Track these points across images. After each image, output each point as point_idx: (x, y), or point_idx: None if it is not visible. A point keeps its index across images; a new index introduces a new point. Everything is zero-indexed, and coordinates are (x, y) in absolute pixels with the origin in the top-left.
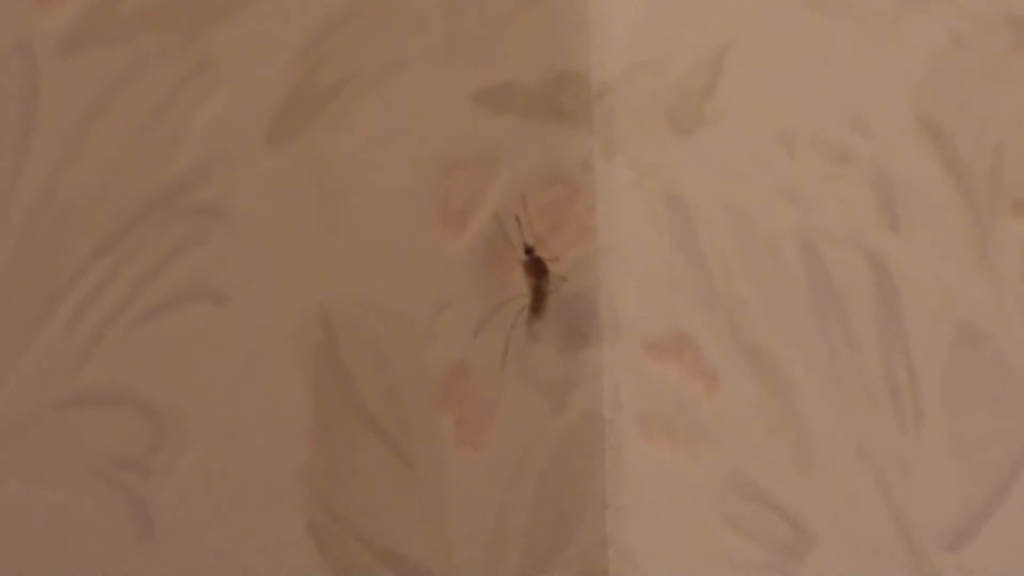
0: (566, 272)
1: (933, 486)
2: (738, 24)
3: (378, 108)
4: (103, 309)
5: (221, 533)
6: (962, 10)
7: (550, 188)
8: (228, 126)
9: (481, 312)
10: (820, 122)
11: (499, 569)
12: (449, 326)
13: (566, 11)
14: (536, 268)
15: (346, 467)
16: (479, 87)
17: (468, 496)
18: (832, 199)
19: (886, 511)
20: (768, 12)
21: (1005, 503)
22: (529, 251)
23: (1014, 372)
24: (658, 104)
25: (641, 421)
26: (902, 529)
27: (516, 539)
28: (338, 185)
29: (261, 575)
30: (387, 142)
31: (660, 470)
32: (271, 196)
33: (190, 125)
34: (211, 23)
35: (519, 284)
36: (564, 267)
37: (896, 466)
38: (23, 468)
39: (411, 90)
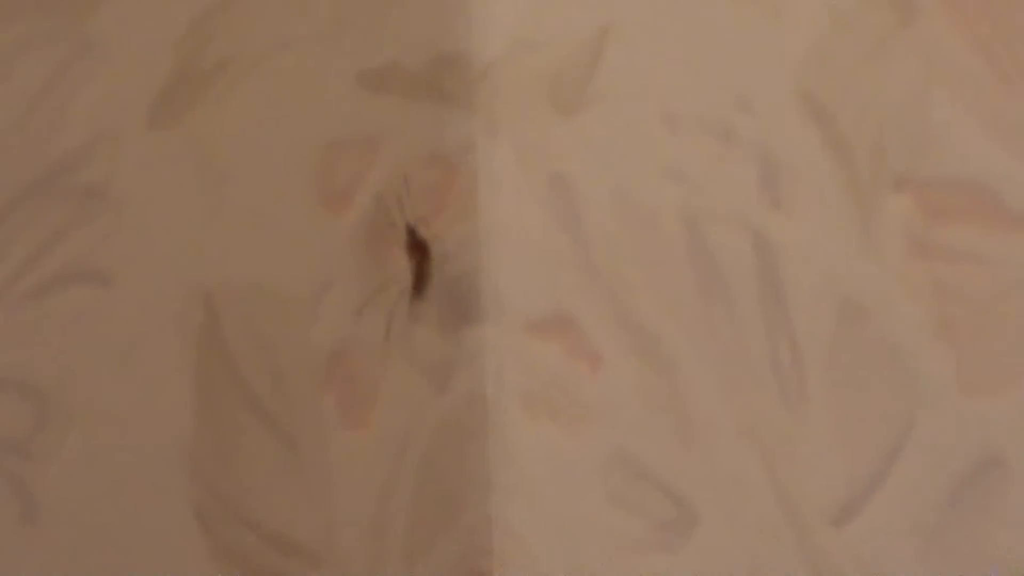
0: (448, 252)
1: (817, 463)
2: (621, 4)
3: (261, 90)
4: None
5: (105, 515)
6: None
7: (432, 168)
8: (110, 108)
9: (363, 292)
10: (703, 102)
11: (384, 549)
12: (331, 307)
13: None
14: (418, 248)
15: (230, 449)
16: (362, 68)
17: (352, 477)
18: (715, 178)
19: (770, 488)
20: None
21: (889, 479)
22: (411, 231)
23: (897, 349)
24: (540, 84)
25: (525, 400)
26: (786, 506)
27: (401, 519)
28: (221, 166)
29: (146, 557)
30: (270, 123)
31: (544, 449)
32: (154, 178)
33: (73, 107)
34: (92, 6)
35: (401, 264)
36: (446, 247)
37: (780, 444)
38: None
39: (294, 72)
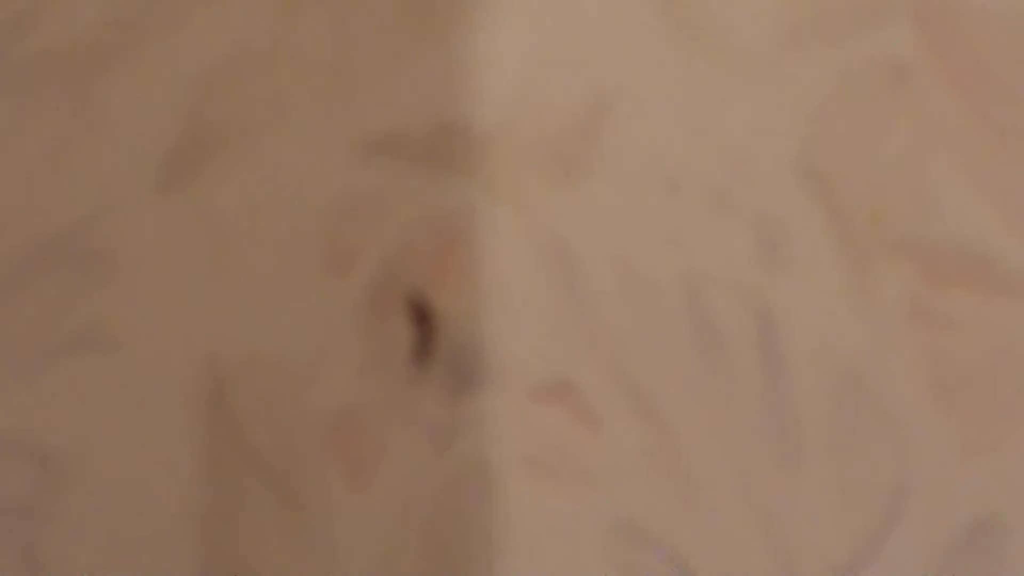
0: (451, 317)
1: (816, 527)
2: (621, 70)
3: (265, 154)
4: None
5: None
6: (842, 54)
7: (434, 234)
8: (117, 174)
9: (367, 358)
10: (703, 167)
11: None
12: (335, 370)
13: (450, 59)
14: (421, 313)
15: (236, 512)
16: (364, 134)
17: (357, 539)
18: (714, 243)
19: (770, 551)
20: (650, 58)
21: (887, 543)
22: (413, 296)
23: (894, 413)
24: (541, 151)
25: (527, 466)
26: (786, 569)
27: None
28: (226, 232)
29: None
30: (273, 189)
31: (547, 515)
32: (160, 244)
33: (79, 173)
34: (99, 71)
35: (404, 329)
36: (449, 312)
37: (779, 507)
38: None
39: (297, 137)
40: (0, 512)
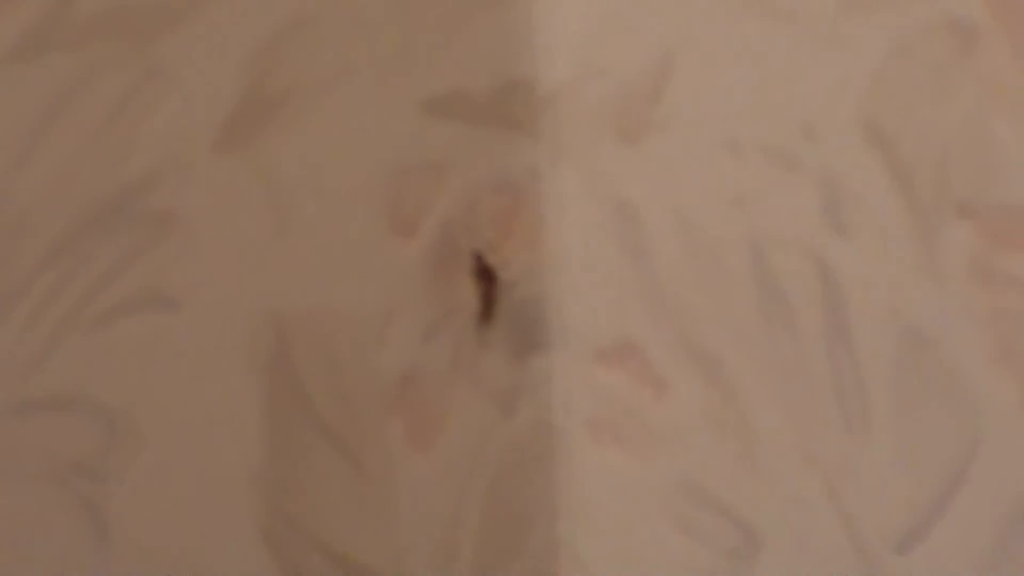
0: (515, 279)
1: (881, 489)
2: (685, 31)
3: (327, 115)
4: (56, 315)
5: (175, 538)
6: (906, 16)
7: (499, 195)
8: (179, 133)
9: (431, 318)
10: (767, 128)
11: (451, 573)
12: (399, 332)
13: (514, 18)
14: (485, 275)
15: (299, 472)
16: (427, 94)
17: (419, 501)
18: (779, 204)
19: (834, 514)
20: (714, 19)
21: (952, 505)
22: (478, 258)
23: (958, 375)
24: (605, 111)
25: (591, 427)
26: (850, 532)
27: (467, 544)
28: (288, 191)
29: None
30: (336, 149)
31: (610, 475)
32: (222, 202)
33: (141, 132)
34: (161, 31)
35: (469, 291)
36: (513, 274)
37: (844, 469)
38: None
39: (360, 97)
40: (64, 471)
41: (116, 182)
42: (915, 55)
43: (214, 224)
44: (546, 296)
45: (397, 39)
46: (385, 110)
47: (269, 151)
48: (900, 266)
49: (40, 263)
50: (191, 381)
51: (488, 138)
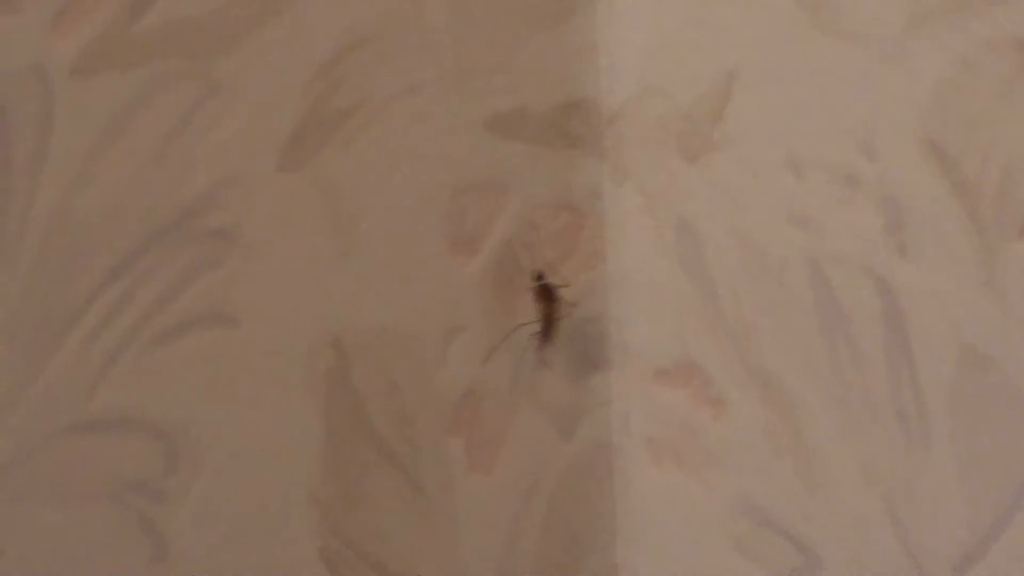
0: (576, 298)
1: (940, 509)
2: (746, 49)
3: (389, 133)
4: (117, 332)
5: (233, 557)
6: (969, 34)
7: (560, 214)
8: (240, 150)
9: (492, 338)
10: (827, 146)
11: None
12: (460, 352)
13: (576, 37)
14: (546, 294)
15: (357, 491)
16: (490, 113)
17: (478, 521)
18: (840, 223)
19: (893, 534)
20: (776, 37)
21: (1011, 526)
22: (539, 277)
23: (1019, 394)
24: (667, 130)
25: (650, 447)
26: (909, 552)
27: (526, 564)
28: (350, 210)
29: None
30: (398, 167)
31: (669, 495)
32: (283, 220)
33: (203, 149)
34: (224, 48)
35: (529, 310)
36: (574, 293)
37: (903, 489)
38: (37, 491)
39: (422, 116)
40: (123, 489)
41: (177, 200)
42: (977, 72)
43: (275, 242)
44: (606, 315)
45: (459, 58)
46: (447, 128)
47: (330, 169)
48: (961, 285)
49: (101, 281)
50: (251, 400)
51: (550, 157)
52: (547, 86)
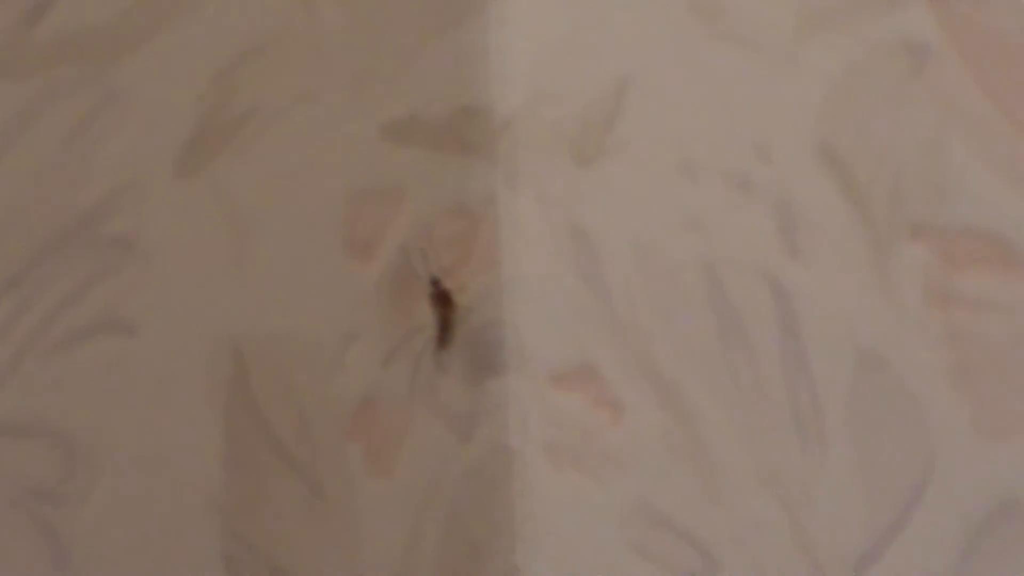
0: (472, 303)
1: (837, 510)
2: (638, 54)
3: (285, 140)
4: (15, 340)
5: (135, 563)
6: (860, 37)
7: (455, 219)
8: (137, 158)
9: (389, 343)
10: (722, 151)
11: None
12: (357, 357)
13: (468, 43)
14: (442, 299)
15: (257, 496)
16: (385, 119)
17: (378, 525)
18: (734, 227)
19: (791, 536)
20: (668, 42)
21: (908, 526)
22: (435, 282)
23: (914, 396)
24: (560, 135)
25: (548, 451)
26: (807, 553)
27: (426, 568)
28: (246, 216)
29: None
30: (294, 173)
31: (568, 499)
32: (180, 227)
33: (99, 157)
34: (119, 56)
35: (426, 315)
36: (470, 298)
37: (800, 491)
38: None
39: (318, 122)
40: (22, 495)
41: (74, 208)
42: (869, 76)
43: (172, 249)
44: (503, 320)
45: (355, 65)
46: (342, 135)
47: (227, 175)
48: (855, 287)
49: None
50: (150, 406)
51: (445, 163)
52: (441, 92)
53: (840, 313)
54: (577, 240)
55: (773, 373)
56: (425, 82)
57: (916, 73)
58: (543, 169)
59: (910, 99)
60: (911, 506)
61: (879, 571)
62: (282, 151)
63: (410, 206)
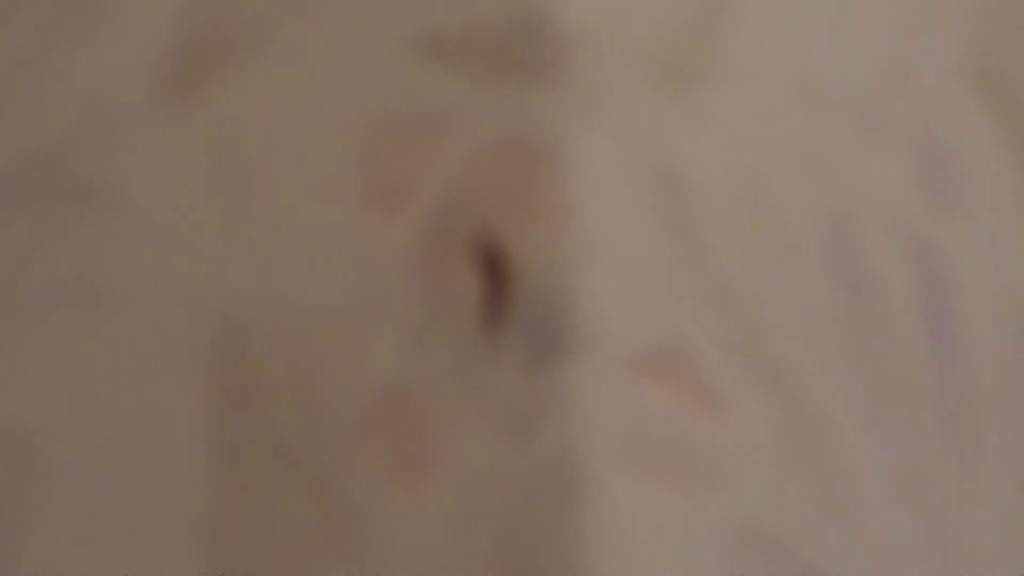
0: (531, 269)
1: (995, 534)
2: None
3: (293, 59)
4: None
5: None
6: None
7: (510, 162)
8: (107, 80)
9: (422, 318)
10: (853, 79)
11: None
12: (382, 336)
13: None
14: (492, 264)
15: (255, 511)
16: (417, 32)
17: (407, 551)
18: (868, 176)
19: (933, 566)
20: None
21: None
22: (483, 242)
23: None
24: (649, 56)
25: (628, 457)
26: None
27: None
28: (244, 157)
29: None
30: (304, 102)
31: (652, 518)
32: (160, 169)
33: (60, 79)
34: None
35: (471, 284)
36: (528, 263)
37: (949, 509)
38: None
39: (334, 36)
40: None
41: (29, 142)
42: None
43: (151, 196)
44: (570, 290)
45: None
46: (365, 52)
47: (220, 103)
48: (1020, 249)
49: None
50: (120, 398)
51: (496, 88)
52: (495, 1)
53: (1002, 283)
54: (668, 189)
55: (915, 359)
56: None
57: None
58: (625, 98)
59: None
60: None
61: None
62: (288, 73)
63: (450, 143)
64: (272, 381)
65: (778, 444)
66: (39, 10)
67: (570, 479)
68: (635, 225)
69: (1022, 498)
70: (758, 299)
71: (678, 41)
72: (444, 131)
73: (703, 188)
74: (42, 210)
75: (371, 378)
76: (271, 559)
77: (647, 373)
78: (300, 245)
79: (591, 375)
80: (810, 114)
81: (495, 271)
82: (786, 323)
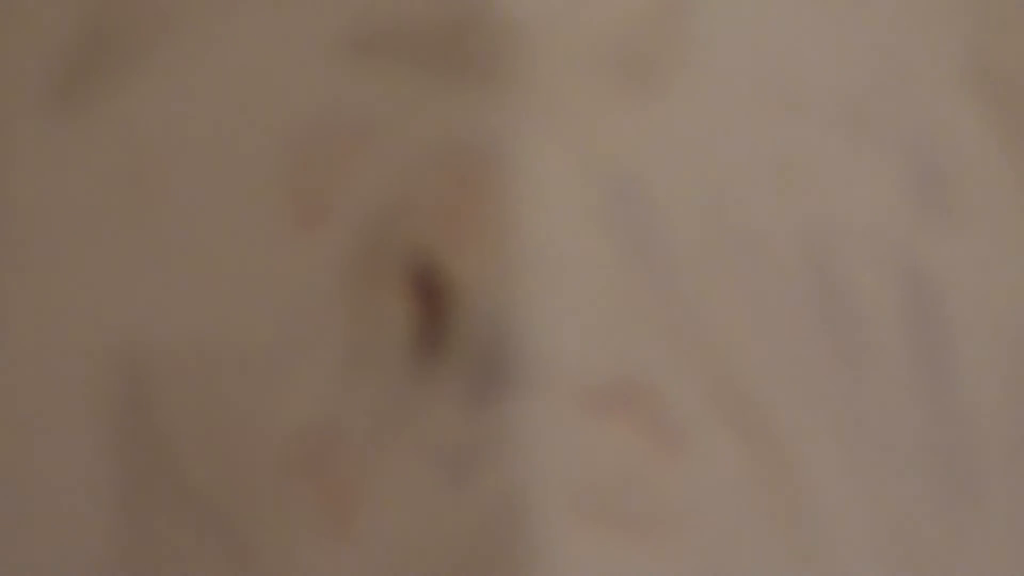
0: (471, 292)
1: None
2: None
3: (205, 56)
4: None
5: None
6: None
7: (446, 170)
8: None
9: (349, 348)
10: (831, 76)
11: None
12: (304, 368)
13: None
14: (427, 287)
15: (161, 563)
16: (344, 27)
17: None
18: (848, 182)
19: None
20: None
21: None
22: (417, 263)
23: None
24: (603, 51)
25: (579, 503)
26: None
27: None
28: (149, 165)
29: None
30: (215, 106)
31: (606, 571)
32: (51, 182)
33: None
34: None
35: (403, 309)
36: (467, 285)
37: (942, 561)
38: None
39: (252, 31)
40: None
41: None
42: None
43: (42, 215)
44: (515, 316)
45: None
46: (287, 48)
47: (122, 106)
48: (1018, 265)
49: None
50: (8, 438)
51: (433, 89)
52: None
53: (998, 302)
54: (623, 201)
55: (901, 393)
56: None
57: None
58: (576, 100)
59: None
60: None
61: None
62: (199, 71)
63: (382, 151)
64: (179, 419)
65: (746, 489)
66: None
67: (515, 528)
68: (588, 242)
69: (1020, 543)
70: (726, 325)
71: (638, 34)
72: (374, 137)
73: (665, 200)
74: None
75: (291, 416)
76: None
77: (601, 409)
78: (212, 268)
79: (539, 411)
80: (785, 115)
81: (431, 294)
82: (756, 352)
